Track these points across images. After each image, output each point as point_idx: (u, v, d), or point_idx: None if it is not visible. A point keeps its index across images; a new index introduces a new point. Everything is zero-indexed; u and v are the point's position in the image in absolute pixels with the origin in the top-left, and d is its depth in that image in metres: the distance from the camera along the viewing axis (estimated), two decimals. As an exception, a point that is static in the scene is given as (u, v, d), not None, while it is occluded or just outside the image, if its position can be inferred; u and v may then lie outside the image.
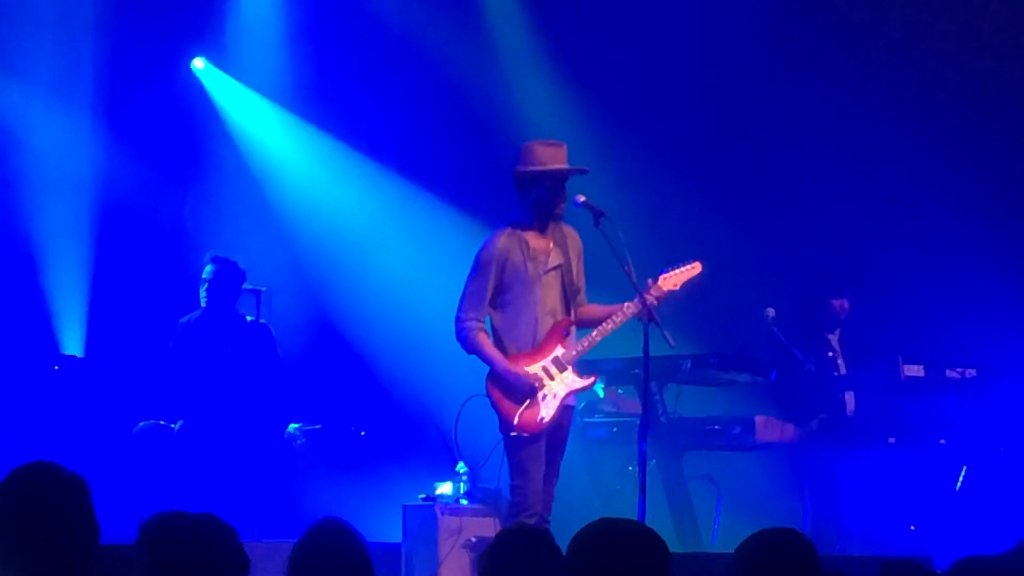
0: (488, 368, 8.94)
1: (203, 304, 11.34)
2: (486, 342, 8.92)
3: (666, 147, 13.56)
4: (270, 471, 11.34)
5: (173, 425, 11.31)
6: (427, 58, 13.74)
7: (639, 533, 4.38)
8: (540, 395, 8.85)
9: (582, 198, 8.91)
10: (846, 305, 11.95)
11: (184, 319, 11.50)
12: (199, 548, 4.44)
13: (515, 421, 8.80)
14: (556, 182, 8.91)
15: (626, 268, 8.72)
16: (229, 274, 11.33)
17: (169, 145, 13.21)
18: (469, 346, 8.96)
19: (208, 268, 11.34)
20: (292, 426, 11.22)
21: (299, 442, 11.24)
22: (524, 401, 8.82)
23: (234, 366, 11.29)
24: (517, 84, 13.89)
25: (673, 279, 9.06)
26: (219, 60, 13.66)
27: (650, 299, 8.81)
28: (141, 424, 11.45)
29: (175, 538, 4.47)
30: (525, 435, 8.80)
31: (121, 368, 12.62)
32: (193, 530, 4.50)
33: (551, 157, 8.93)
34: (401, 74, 13.77)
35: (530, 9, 13.93)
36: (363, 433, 11.45)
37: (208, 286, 11.30)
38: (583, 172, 9.05)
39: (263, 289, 11.25)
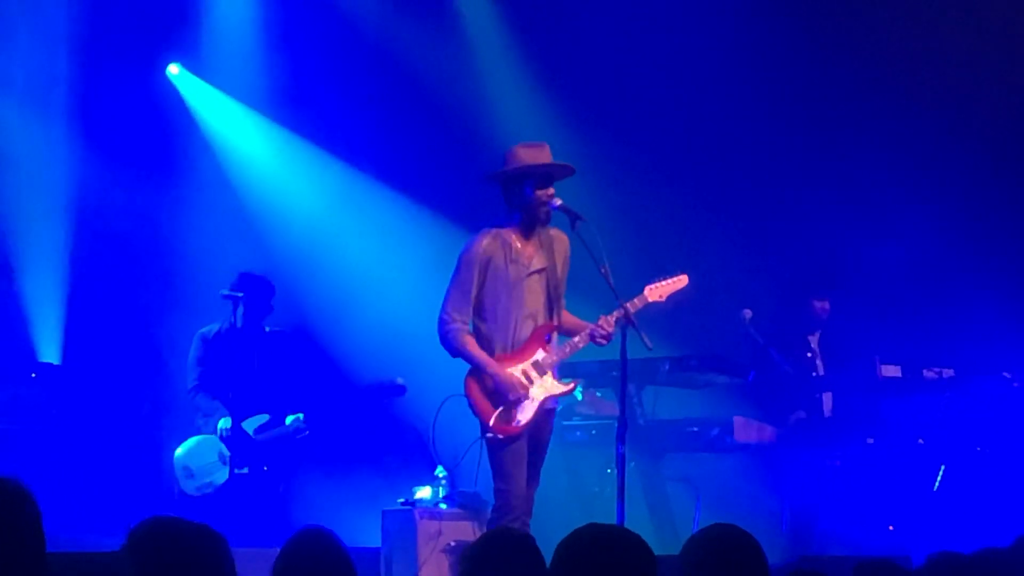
0: (467, 368, 8.94)
1: (238, 324, 11.27)
2: (472, 343, 8.91)
3: (645, 150, 13.56)
4: (279, 478, 11.32)
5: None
6: (402, 61, 13.73)
7: (626, 539, 4.38)
8: (519, 398, 8.85)
9: (558, 201, 8.91)
10: (827, 307, 11.98)
11: (205, 330, 11.42)
12: (185, 556, 4.41)
13: (490, 422, 8.81)
14: (542, 179, 8.90)
15: (603, 271, 8.72)
16: (262, 292, 11.29)
17: (145, 151, 13.18)
18: (453, 348, 8.95)
19: (240, 287, 11.26)
20: (290, 418, 11.14)
21: (304, 434, 11.18)
22: (504, 403, 8.82)
23: (259, 380, 11.26)
24: (494, 87, 13.88)
25: (659, 290, 9.08)
26: (194, 66, 13.64)
27: (631, 308, 8.83)
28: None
29: (161, 545, 4.44)
30: (500, 437, 8.80)
31: (98, 375, 12.60)
32: (180, 538, 4.47)
33: (534, 156, 8.93)
34: (376, 78, 13.76)
35: (507, 11, 13.93)
36: (400, 380, 11.27)
37: (244, 308, 11.23)
38: (569, 169, 9.05)
39: (240, 295, 11.22)
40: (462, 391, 8.97)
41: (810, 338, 12.01)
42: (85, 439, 12.16)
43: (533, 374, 8.91)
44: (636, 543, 4.37)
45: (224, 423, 11.07)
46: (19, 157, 12.74)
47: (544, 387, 8.93)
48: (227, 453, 11.02)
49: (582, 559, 4.28)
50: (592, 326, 8.91)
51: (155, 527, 4.49)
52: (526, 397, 8.86)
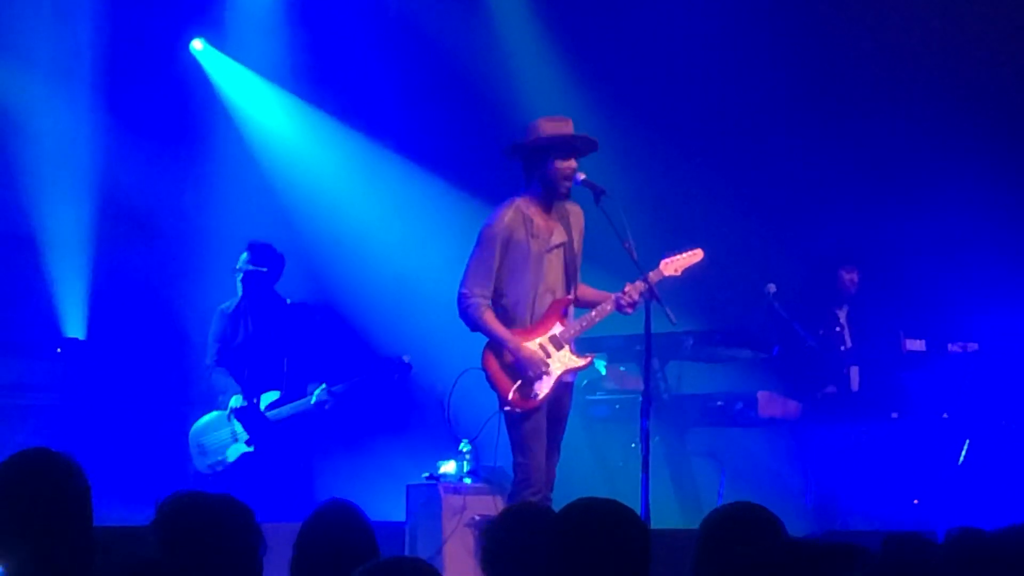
0: (485, 341, 8.94)
1: (239, 295, 11.30)
2: (492, 319, 8.88)
3: (669, 124, 13.54)
4: (290, 455, 11.32)
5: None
6: (427, 37, 13.70)
7: (617, 512, 4.38)
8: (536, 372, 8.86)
9: (582, 176, 8.89)
10: (856, 278, 11.98)
11: (225, 305, 11.43)
12: (212, 528, 4.44)
13: (509, 396, 8.82)
14: (565, 153, 8.88)
15: (626, 245, 8.72)
16: (264, 261, 11.26)
17: (169, 126, 13.19)
18: (474, 322, 8.93)
19: (242, 257, 11.27)
20: (317, 390, 11.11)
21: (328, 406, 11.17)
22: (521, 377, 8.82)
23: (275, 355, 11.27)
24: (519, 64, 13.85)
25: (674, 264, 9.08)
26: (218, 41, 13.64)
27: (651, 281, 8.84)
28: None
29: (189, 518, 4.47)
30: (518, 411, 8.81)
31: (123, 350, 12.63)
32: (207, 510, 4.50)
33: (557, 127, 8.90)
34: (400, 52, 13.73)
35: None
36: (407, 359, 11.23)
37: (243, 276, 11.24)
38: (592, 144, 9.02)
39: (264, 270, 11.24)
40: (480, 364, 8.98)
41: (838, 312, 12.00)
42: (110, 414, 12.20)
43: (550, 348, 8.90)
44: (627, 515, 4.38)
45: (235, 401, 11.10)
46: (44, 133, 12.77)
47: (561, 361, 8.93)
48: (239, 430, 11.06)
49: (575, 531, 4.29)
50: (617, 294, 8.90)
51: (182, 501, 4.53)
52: (546, 373, 8.85)
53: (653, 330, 8.82)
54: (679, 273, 9.09)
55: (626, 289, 8.88)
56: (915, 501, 11.42)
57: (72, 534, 4.32)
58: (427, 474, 10.32)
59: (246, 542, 4.50)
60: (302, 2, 13.67)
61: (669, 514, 11.49)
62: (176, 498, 4.58)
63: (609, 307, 8.96)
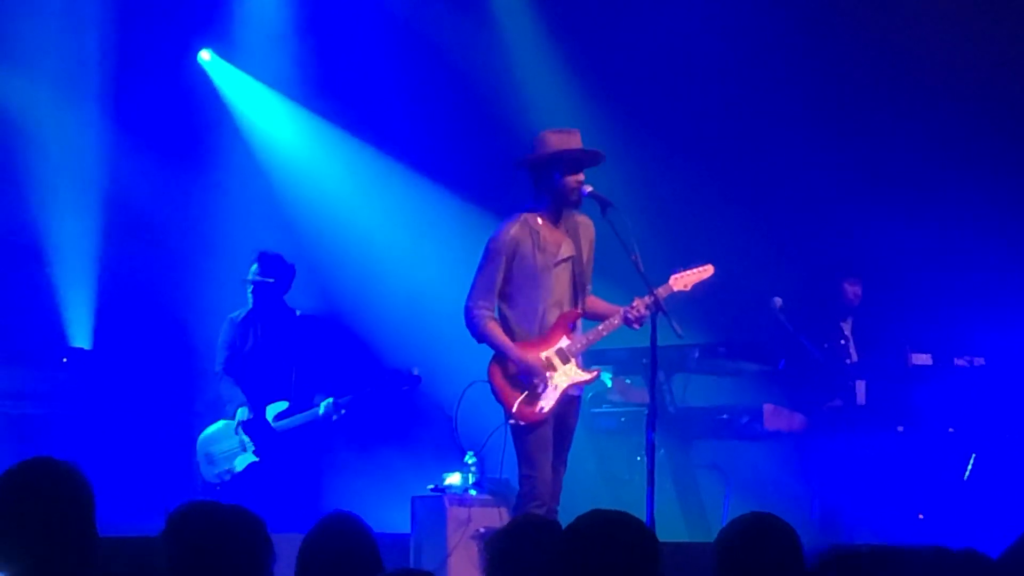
0: (492, 353, 8.94)
1: (250, 305, 11.31)
2: (497, 330, 8.91)
3: (674, 136, 13.52)
4: (303, 462, 11.32)
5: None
6: (432, 47, 13.71)
7: (628, 524, 4.39)
8: (541, 385, 8.86)
9: (589, 188, 8.90)
10: (859, 291, 11.97)
11: (235, 314, 11.44)
12: (223, 539, 4.44)
13: (514, 409, 8.82)
14: (572, 166, 8.89)
15: (633, 258, 8.71)
16: (272, 271, 11.27)
17: (175, 137, 13.21)
18: (479, 334, 8.96)
19: (252, 268, 11.29)
20: (325, 402, 11.10)
21: (335, 417, 11.16)
22: (527, 390, 8.82)
23: (283, 365, 11.26)
24: (526, 74, 13.86)
25: (684, 280, 9.09)
26: (226, 52, 13.66)
27: (659, 296, 8.83)
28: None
29: (200, 529, 4.47)
30: (523, 424, 8.82)
31: (129, 360, 12.64)
32: (219, 521, 4.49)
33: (564, 141, 8.92)
34: (406, 63, 13.74)
35: (539, -1, 13.94)
36: (416, 371, 11.21)
37: (253, 287, 11.25)
38: (598, 157, 9.02)
39: (271, 280, 11.25)
40: (486, 377, 8.99)
41: (843, 324, 12.00)
42: (116, 423, 12.22)
43: (556, 361, 8.91)
44: (638, 528, 4.38)
45: (241, 413, 11.11)
46: (51, 143, 12.79)
47: (567, 374, 8.93)
48: (247, 441, 11.07)
49: (585, 544, 4.30)
50: (625, 308, 8.90)
51: (193, 511, 4.52)
52: (549, 383, 8.85)
53: (659, 343, 8.82)
54: (688, 288, 9.10)
55: (634, 303, 8.88)
56: (920, 515, 11.40)
57: (75, 543, 4.33)
58: (432, 486, 10.31)
59: (256, 554, 4.50)
60: (310, 13, 13.68)
61: (674, 527, 11.48)
62: (187, 508, 4.57)
63: (617, 321, 8.97)
